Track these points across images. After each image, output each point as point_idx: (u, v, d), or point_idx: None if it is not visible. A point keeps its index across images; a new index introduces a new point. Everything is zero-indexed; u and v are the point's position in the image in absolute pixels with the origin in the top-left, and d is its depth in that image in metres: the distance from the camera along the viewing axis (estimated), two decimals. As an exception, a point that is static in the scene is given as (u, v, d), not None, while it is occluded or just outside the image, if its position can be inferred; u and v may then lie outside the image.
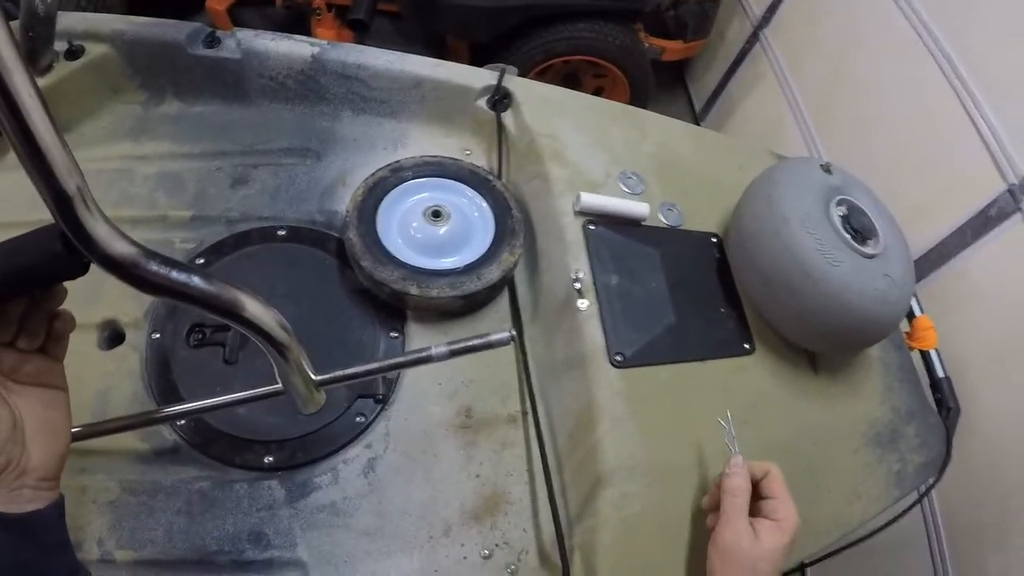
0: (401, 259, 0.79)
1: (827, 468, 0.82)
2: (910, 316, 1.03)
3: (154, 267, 0.40)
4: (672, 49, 2.38)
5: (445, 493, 0.71)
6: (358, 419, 0.74)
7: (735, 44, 2.31)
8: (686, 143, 1.01)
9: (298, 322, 0.51)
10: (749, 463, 0.66)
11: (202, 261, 0.82)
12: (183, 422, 0.71)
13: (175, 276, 0.41)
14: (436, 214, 0.83)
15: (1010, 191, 1.15)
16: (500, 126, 0.96)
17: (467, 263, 0.81)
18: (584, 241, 0.82)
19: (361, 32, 1.88)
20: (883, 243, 0.80)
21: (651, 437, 0.71)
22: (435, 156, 0.91)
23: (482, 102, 0.97)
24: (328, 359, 0.59)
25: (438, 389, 0.78)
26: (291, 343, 0.50)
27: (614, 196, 0.85)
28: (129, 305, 0.77)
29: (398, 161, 0.89)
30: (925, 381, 1.00)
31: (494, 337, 0.63)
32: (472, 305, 0.83)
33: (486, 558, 0.68)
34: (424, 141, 0.98)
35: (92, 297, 0.77)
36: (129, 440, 0.69)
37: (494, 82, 0.96)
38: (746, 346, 0.83)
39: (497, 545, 0.69)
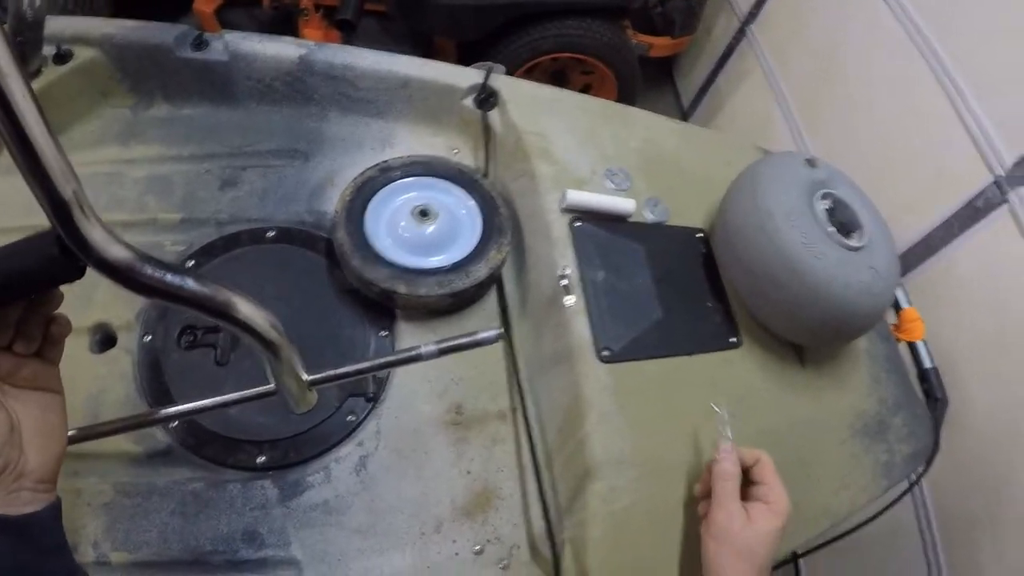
0: (390, 258, 0.80)
1: (815, 459, 0.82)
2: (897, 308, 1.03)
3: (149, 270, 0.41)
4: (659, 45, 2.37)
5: (436, 490, 0.72)
6: (349, 418, 0.74)
7: (722, 40, 2.30)
8: (672, 139, 1.02)
9: (288, 322, 0.51)
10: (739, 449, 0.67)
11: (192, 263, 0.82)
12: (176, 424, 0.71)
13: (170, 279, 0.42)
14: (424, 213, 0.83)
15: (996, 182, 1.16)
16: (486, 125, 0.96)
17: (455, 261, 0.82)
18: (570, 238, 0.82)
19: (348, 32, 1.88)
20: (867, 236, 0.81)
21: (639, 431, 0.72)
22: (423, 155, 0.92)
23: (469, 101, 0.98)
24: (319, 359, 0.59)
25: (428, 387, 0.78)
26: (283, 343, 0.51)
27: (600, 193, 0.86)
28: (120, 308, 0.78)
29: (386, 161, 0.89)
30: (913, 373, 1.01)
31: (483, 335, 0.64)
32: (460, 303, 0.83)
33: (478, 553, 0.69)
34: (411, 140, 0.99)
35: (84, 300, 0.77)
36: (122, 442, 0.70)
37: (481, 81, 0.97)
38: (733, 340, 0.84)
39: (489, 540, 0.70)
